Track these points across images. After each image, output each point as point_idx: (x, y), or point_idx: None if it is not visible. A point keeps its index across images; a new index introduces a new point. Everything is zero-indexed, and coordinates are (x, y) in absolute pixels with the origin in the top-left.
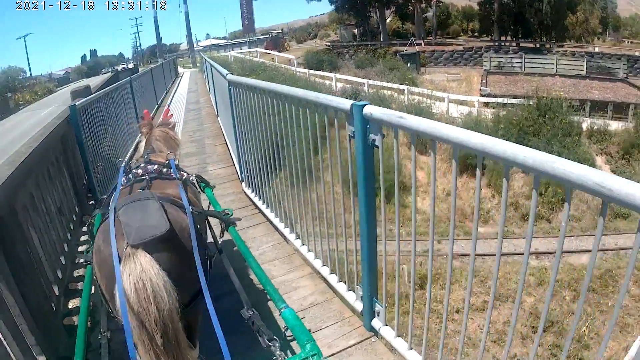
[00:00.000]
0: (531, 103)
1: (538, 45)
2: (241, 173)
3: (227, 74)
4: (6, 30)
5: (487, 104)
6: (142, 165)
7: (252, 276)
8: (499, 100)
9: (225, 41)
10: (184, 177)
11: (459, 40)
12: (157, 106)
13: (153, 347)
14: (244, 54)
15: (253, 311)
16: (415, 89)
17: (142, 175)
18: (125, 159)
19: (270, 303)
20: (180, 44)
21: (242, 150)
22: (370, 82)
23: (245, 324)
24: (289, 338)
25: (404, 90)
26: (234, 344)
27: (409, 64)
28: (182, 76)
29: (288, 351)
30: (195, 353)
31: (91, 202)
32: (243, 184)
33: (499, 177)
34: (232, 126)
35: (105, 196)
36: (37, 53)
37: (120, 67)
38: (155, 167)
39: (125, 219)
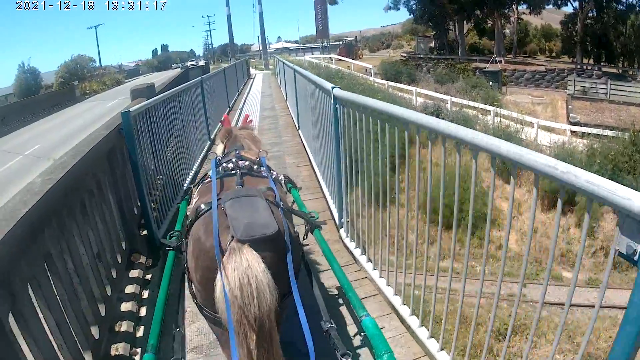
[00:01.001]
0: (626, 136)
1: (620, 71)
2: (340, 217)
3: (333, 88)
4: (78, 20)
5: (575, 133)
6: (233, 159)
7: (334, 280)
8: (594, 130)
9: (297, 45)
10: (273, 176)
11: (538, 60)
12: (228, 109)
13: (247, 343)
14: (318, 59)
15: (331, 323)
16: (502, 111)
17: (233, 169)
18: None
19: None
20: (251, 44)
21: (348, 188)
22: (454, 99)
23: (322, 335)
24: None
25: (488, 111)
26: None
27: (490, 82)
28: (254, 78)
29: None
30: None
31: (144, 233)
32: (342, 231)
33: (592, 216)
34: (333, 154)
35: (191, 185)
36: (108, 44)
37: (189, 63)
38: (247, 163)
39: (233, 212)
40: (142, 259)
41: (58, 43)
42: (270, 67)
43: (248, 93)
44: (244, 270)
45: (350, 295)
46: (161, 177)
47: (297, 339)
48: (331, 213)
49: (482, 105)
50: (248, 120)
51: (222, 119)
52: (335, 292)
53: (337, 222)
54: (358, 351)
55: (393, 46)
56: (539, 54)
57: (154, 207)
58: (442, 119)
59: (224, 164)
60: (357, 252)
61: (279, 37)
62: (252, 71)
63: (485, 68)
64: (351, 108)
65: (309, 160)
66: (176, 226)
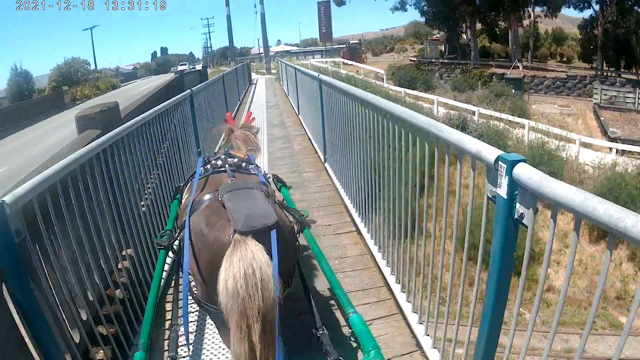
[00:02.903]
0: None
1: None
2: None
3: (512, 161)
4: (74, 21)
5: (616, 150)
6: (222, 157)
7: (322, 279)
8: None
9: (298, 48)
10: (262, 173)
11: (559, 66)
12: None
13: (250, 335)
14: (323, 62)
15: (323, 329)
16: (540, 125)
17: (222, 166)
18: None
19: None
20: (251, 47)
21: None
22: (482, 110)
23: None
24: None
25: (516, 123)
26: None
27: (513, 90)
28: (256, 84)
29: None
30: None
31: None
32: None
33: None
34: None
35: (182, 184)
36: (105, 46)
37: (180, 68)
38: (235, 160)
39: (233, 205)
40: None
41: (53, 45)
42: (273, 71)
43: (251, 103)
44: (249, 261)
45: (338, 293)
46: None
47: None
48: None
49: (517, 119)
50: (251, 118)
51: (225, 118)
52: (327, 292)
53: None
54: (351, 348)
55: (396, 50)
56: (549, 58)
57: None
58: (469, 133)
59: (213, 162)
60: None
61: (278, 40)
62: (254, 75)
63: (506, 74)
64: None
65: (354, 224)
66: (167, 225)
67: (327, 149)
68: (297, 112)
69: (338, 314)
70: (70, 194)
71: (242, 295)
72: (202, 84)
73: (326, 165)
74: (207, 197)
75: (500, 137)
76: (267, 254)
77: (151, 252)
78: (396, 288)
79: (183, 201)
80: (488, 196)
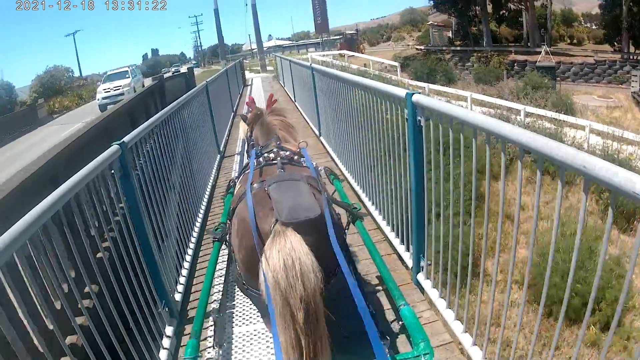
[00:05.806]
0: None
1: None
2: None
3: None
4: (58, 27)
5: None
6: (274, 150)
7: (373, 269)
8: None
9: (291, 42)
10: (314, 166)
11: (578, 51)
12: (219, 156)
13: (294, 325)
14: (324, 56)
15: (369, 309)
16: (599, 126)
17: (274, 159)
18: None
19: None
20: (242, 44)
21: None
22: (529, 109)
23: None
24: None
25: (559, 120)
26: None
27: (546, 80)
28: (251, 85)
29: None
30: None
31: None
32: None
33: None
34: None
35: (235, 178)
36: (95, 52)
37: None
38: (288, 153)
39: (277, 195)
40: None
41: (38, 54)
42: (269, 67)
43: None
44: (287, 252)
45: (390, 286)
46: None
47: (340, 320)
48: None
49: (580, 121)
50: (273, 100)
51: (247, 101)
52: (375, 281)
53: None
54: (395, 339)
55: (394, 38)
56: (558, 41)
57: None
58: None
59: (265, 154)
60: None
61: (269, 35)
62: (247, 75)
63: (538, 61)
64: None
65: None
66: (221, 219)
67: (424, 252)
68: (318, 133)
69: (385, 303)
70: None
71: (284, 285)
72: (154, 117)
73: (422, 282)
74: (255, 186)
75: (560, 139)
76: (309, 245)
77: None
78: None
79: (235, 192)
80: None
